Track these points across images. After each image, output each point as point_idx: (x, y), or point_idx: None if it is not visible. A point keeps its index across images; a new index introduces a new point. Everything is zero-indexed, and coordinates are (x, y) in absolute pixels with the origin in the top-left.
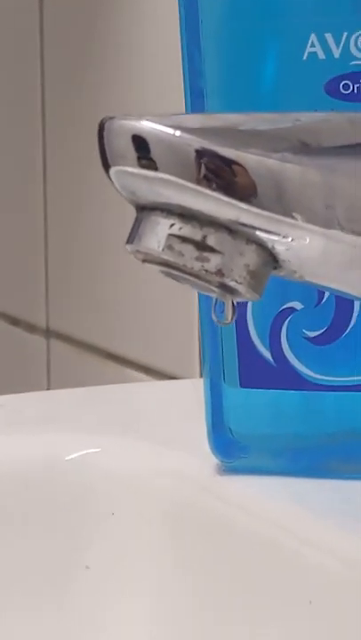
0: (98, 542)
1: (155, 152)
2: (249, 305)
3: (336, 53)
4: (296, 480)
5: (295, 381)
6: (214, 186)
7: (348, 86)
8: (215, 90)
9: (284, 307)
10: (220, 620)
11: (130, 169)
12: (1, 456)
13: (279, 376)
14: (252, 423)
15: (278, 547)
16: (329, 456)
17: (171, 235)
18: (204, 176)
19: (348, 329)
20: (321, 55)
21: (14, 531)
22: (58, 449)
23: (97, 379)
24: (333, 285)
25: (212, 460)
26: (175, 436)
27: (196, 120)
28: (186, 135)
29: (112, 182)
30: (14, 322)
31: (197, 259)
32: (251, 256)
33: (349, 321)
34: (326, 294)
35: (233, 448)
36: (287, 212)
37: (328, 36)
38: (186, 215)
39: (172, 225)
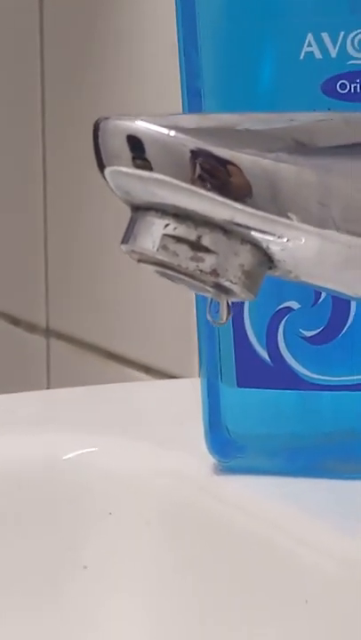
0: (96, 542)
1: (149, 152)
2: (246, 304)
3: (333, 53)
4: (293, 480)
5: (292, 381)
6: (209, 186)
7: (345, 86)
8: (212, 90)
9: (281, 306)
10: (218, 620)
11: (124, 169)
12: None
13: (276, 376)
14: (250, 423)
15: (275, 546)
16: (326, 456)
17: (165, 235)
18: (199, 176)
19: (345, 328)
20: (318, 55)
21: (12, 530)
22: (56, 448)
23: (97, 378)
24: (329, 285)
25: (211, 460)
26: (174, 436)
27: (190, 120)
28: (180, 135)
29: (107, 182)
30: (14, 322)
31: (192, 259)
32: (246, 256)
33: (346, 320)
34: (323, 294)
35: (230, 448)
36: (282, 212)
37: (325, 36)
38: (180, 215)
39: (166, 225)
